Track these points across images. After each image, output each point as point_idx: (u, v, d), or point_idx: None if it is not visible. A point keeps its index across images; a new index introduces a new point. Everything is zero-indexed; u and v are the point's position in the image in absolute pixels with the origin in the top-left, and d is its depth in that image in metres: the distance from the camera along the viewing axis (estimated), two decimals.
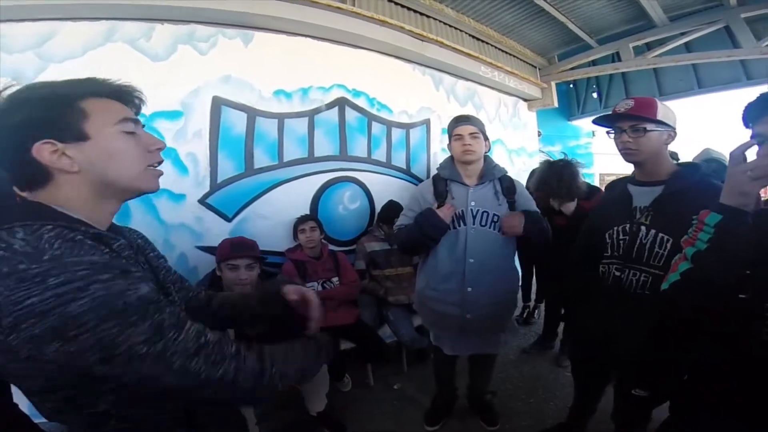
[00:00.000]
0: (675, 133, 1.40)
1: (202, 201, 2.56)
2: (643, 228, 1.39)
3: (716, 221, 0.88)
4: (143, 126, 0.75)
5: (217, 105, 2.59)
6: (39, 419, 1.57)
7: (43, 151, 0.62)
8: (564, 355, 2.95)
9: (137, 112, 0.76)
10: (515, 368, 2.94)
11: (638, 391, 1.45)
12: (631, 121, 1.36)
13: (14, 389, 1.71)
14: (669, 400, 1.26)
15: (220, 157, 2.62)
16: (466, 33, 3.90)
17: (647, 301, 1.37)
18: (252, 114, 2.72)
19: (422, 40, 3.39)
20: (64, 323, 0.51)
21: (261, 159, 2.78)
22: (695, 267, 0.92)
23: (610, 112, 1.44)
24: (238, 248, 2.06)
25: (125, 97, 0.73)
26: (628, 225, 1.44)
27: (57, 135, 0.63)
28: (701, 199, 1.13)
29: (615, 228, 1.48)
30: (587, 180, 2.84)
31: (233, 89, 2.64)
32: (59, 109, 0.64)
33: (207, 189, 2.58)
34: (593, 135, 7.78)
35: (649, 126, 1.34)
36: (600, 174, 8.23)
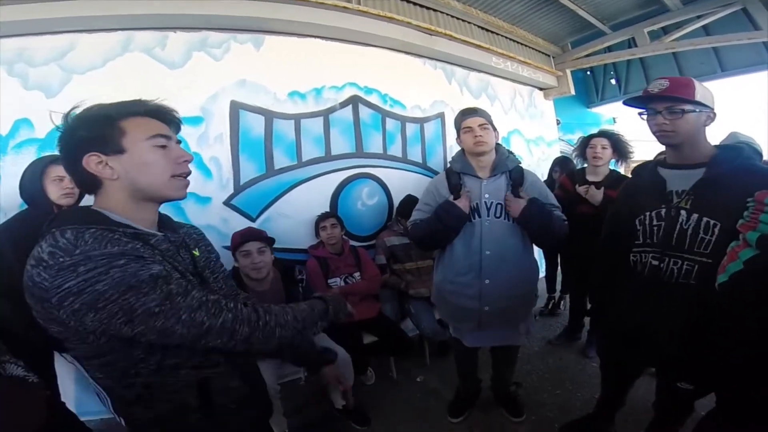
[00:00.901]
0: (714, 114, 1.32)
1: (227, 203, 2.65)
2: (683, 212, 1.31)
3: None
4: (179, 142, 0.90)
5: (235, 109, 2.67)
6: (84, 417, 1.68)
7: (91, 162, 0.79)
8: (591, 347, 2.89)
9: (177, 129, 0.90)
10: (541, 360, 2.91)
11: (684, 385, 1.40)
12: (667, 103, 1.29)
13: (61, 390, 1.83)
14: (715, 394, 1.19)
15: (241, 160, 2.70)
16: (474, 25, 3.88)
17: (693, 291, 1.29)
18: (269, 116, 2.79)
19: (431, 34, 3.40)
20: (95, 298, 0.68)
21: (280, 160, 2.85)
22: (763, 252, 0.85)
23: (640, 94, 1.37)
24: (246, 235, 2.16)
25: (161, 115, 0.87)
26: (663, 210, 1.36)
27: (101, 149, 0.79)
28: (748, 182, 1.09)
29: (647, 213, 1.41)
30: (613, 168, 2.77)
31: (249, 93, 2.72)
32: (103, 127, 0.79)
33: (231, 191, 2.66)
34: (614, 121, 7.62)
35: (687, 107, 1.27)
36: (625, 164, 8.01)
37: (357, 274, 2.69)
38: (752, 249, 0.85)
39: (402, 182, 3.33)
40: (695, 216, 1.28)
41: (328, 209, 2.96)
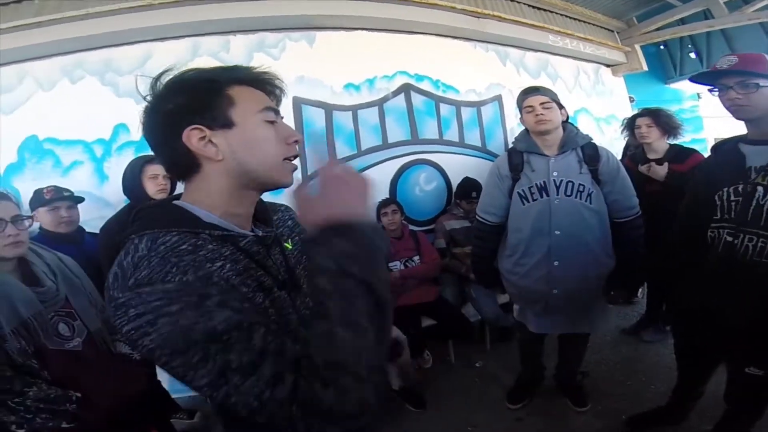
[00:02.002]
0: None
1: None
2: (760, 189, 1.27)
3: None
4: (282, 117, 0.73)
5: (297, 104, 2.84)
6: (175, 394, 1.87)
7: (192, 137, 0.63)
8: (648, 330, 2.80)
9: (278, 102, 0.75)
10: (612, 350, 2.73)
11: (752, 370, 1.33)
12: (739, 77, 1.27)
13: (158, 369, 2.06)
14: None
15: (307, 152, 2.83)
16: (524, 4, 3.77)
17: (763, 269, 1.24)
18: (329, 109, 2.93)
19: (478, 17, 3.35)
20: (149, 354, 0.54)
21: (342, 149, 2.97)
22: None
23: (709, 70, 1.36)
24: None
25: (267, 85, 0.72)
26: (741, 186, 1.32)
27: (206, 121, 0.64)
28: None
29: (725, 189, 1.36)
30: (673, 143, 2.63)
31: (308, 88, 2.87)
32: (209, 95, 0.65)
33: (300, 182, 2.81)
34: (699, 97, 6.90)
35: (762, 81, 1.24)
36: (714, 139, 7.23)
37: (416, 258, 2.71)
38: None
39: (460, 167, 3.30)
40: None
41: (387, 195, 3.02)
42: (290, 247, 0.80)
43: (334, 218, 0.57)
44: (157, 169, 1.95)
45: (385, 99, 3.11)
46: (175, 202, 0.69)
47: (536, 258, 1.83)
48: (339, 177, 0.62)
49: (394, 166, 3.14)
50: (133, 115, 2.43)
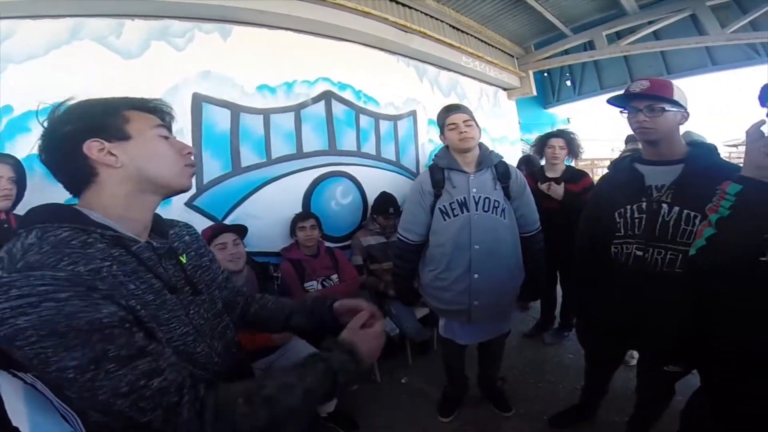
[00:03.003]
0: (687, 114, 1.41)
1: (189, 204, 2.43)
2: (664, 206, 1.38)
3: (736, 190, 0.98)
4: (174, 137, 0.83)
5: (198, 102, 2.47)
6: None
7: (93, 148, 0.71)
8: (548, 333, 3.11)
9: (168, 129, 0.83)
10: (519, 354, 2.93)
11: (671, 367, 1.46)
12: (648, 101, 1.37)
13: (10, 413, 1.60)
14: (700, 375, 1.28)
15: (204, 157, 2.50)
16: (447, 24, 3.91)
17: (679, 278, 1.36)
18: (235, 110, 2.62)
19: (406, 31, 3.36)
20: (14, 334, 0.54)
21: (248, 157, 2.67)
22: (719, 231, 1.00)
23: (622, 92, 1.45)
24: (218, 228, 2.11)
25: (159, 112, 0.81)
26: (644, 203, 1.43)
27: (104, 135, 0.72)
28: (723, 177, 1.17)
29: (627, 207, 1.47)
30: (568, 164, 2.93)
31: (214, 85, 2.53)
32: (105, 115, 0.74)
33: (193, 191, 2.45)
34: (569, 122, 7.95)
35: (667, 106, 1.36)
36: (575, 160, 8.38)
37: (335, 277, 2.57)
38: (713, 228, 1.02)
39: (376, 181, 3.26)
40: (676, 209, 1.36)
41: (300, 209, 2.82)
42: (185, 260, 0.87)
43: (359, 350, 0.81)
44: (2, 170, 1.64)
45: (303, 105, 2.90)
46: (67, 204, 0.72)
47: (458, 272, 1.86)
48: (379, 333, 0.89)
49: (309, 177, 2.95)
50: None
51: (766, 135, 0.94)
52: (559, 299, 3.13)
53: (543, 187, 2.75)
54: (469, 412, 2.29)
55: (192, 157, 0.83)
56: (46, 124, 0.72)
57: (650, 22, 4.21)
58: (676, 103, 1.36)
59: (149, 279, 0.71)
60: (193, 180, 2.36)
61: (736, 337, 1.10)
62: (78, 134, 0.70)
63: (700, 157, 1.39)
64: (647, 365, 1.71)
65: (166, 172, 0.77)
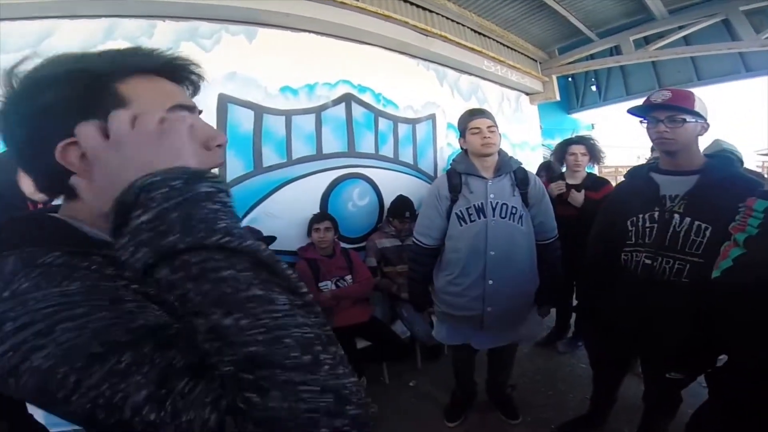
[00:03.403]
0: (708, 125, 1.41)
1: None
2: (676, 216, 1.39)
3: (765, 206, 0.93)
4: (200, 111, 0.56)
5: (224, 102, 2.55)
6: (55, 429, 1.54)
7: (69, 154, 0.45)
8: (562, 341, 3.07)
9: (194, 92, 0.58)
10: (530, 362, 2.91)
11: (673, 374, 1.45)
12: (669, 112, 1.37)
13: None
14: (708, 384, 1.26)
15: (228, 156, 2.58)
16: (468, 28, 3.90)
17: (686, 288, 1.37)
18: (259, 111, 2.68)
19: (426, 35, 3.38)
20: (40, 383, 0.36)
21: (270, 157, 2.74)
22: (749, 251, 0.96)
23: (644, 104, 1.45)
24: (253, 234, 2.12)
25: (178, 73, 0.54)
26: (656, 213, 1.44)
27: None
28: (737, 190, 1.18)
29: (640, 215, 1.48)
30: (590, 171, 2.87)
31: (239, 86, 2.60)
32: (88, 93, 0.46)
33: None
34: (592, 128, 7.80)
35: (688, 117, 1.36)
36: (597, 166, 8.22)
37: (348, 277, 2.62)
38: (740, 248, 0.98)
39: (393, 183, 3.28)
40: (688, 219, 1.37)
41: (317, 209, 2.88)
42: None
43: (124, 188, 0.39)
44: None
45: (324, 107, 2.95)
46: (51, 215, 0.52)
47: (472, 278, 1.86)
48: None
49: (328, 178, 3.00)
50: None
51: None
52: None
53: (553, 186, 2.72)
54: (476, 418, 2.30)
55: (221, 152, 0.55)
56: (6, 97, 0.47)
57: (680, 27, 4.10)
58: (697, 114, 1.36)
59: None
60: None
61: (754, 348, 1.07)
62: (49, 123, 0.45)
63: (717, 168, 1.39)
64: (651, 372, 1.71)
65: None
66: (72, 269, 0.43)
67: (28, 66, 0.48)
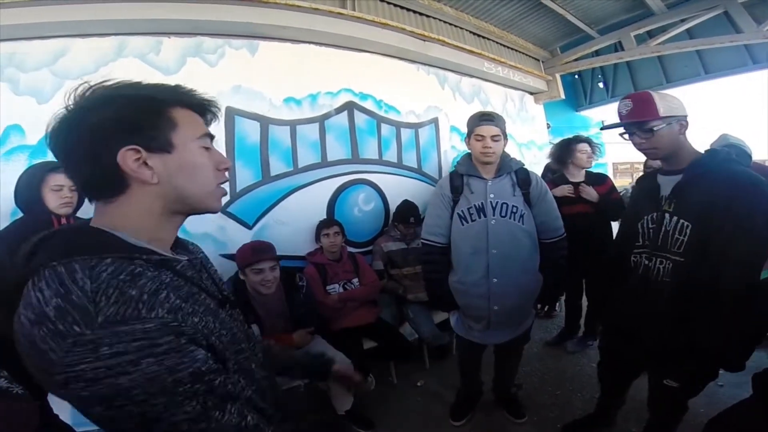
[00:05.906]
0: (686, 120, 1.38)
1: (224, 210, 2.61)
2: (667, 216, 1.40)
3: None
4: (213, 138, 0.72)
5: (231, 115, 2.65)
6: (81, 429, 1.63)
7: (128, 158, 0.58)
8: (572, 341, 3.07)
9: (211, 122, 0.73)
10: (540, 362, 2.92)
11: (669, 382, 1.44)
12: (635, 126, 1.37)
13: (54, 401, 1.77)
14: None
15: (237, 166, 2.68)
16: (466, 30, 3.95)
17: (668, 289, 1.38)
18: (265, 122, 2.78)
19: (424, 40, 3.43)
20: (113, 394, 0.50)
21: (276, 166, 2.83)
22: None
23: (616, 105, 1.45)
24: (260, 252, 2.15)
25: (207, 111, 0.70)
26: (656, 213, 1.45)
27: (144, 142, 0.60)
28: (712, 185, 1.18)
29: (645, 217, 1.50)
30: (599, 169, 2.91)
31: (244, 99, 2.71)
32: (149, 114, 0.61)
33: (228, 198, 2.63)
34: (602, 124, 7.74)
35: (656, 125, 1.33)
36: (613, 163, 8.18)
37: (355, 280, 2.68)
38: None
39: (398, 188, 3.34)
40: (675, 218, 1.37)
41: (324, 215, 2.95)
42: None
43: None
44: (62, 180, 1.74)
45: (327, 116, 3.03)
46: (92, 225, 0.63)
47: (476, 276, 1.90)
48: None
49: (333, 184, 3.08)
50: (31, 116, 2.15)
51: None
52: (584, 308, 3.10)
53: (561, 189, 2.75)
54: (482, 417, 2.32)
55: (227, 174, 0.73)
56: (70, 106, 0.59)
57: (682, 21, 4.07)
58: (665, 118, 1.32)
59: (204, 300, 0.64)
60: (227, 186, 2.59)
61: None
62: (110, 132, 0.58)
63: (700, 163, 1.36)
64: (652, 377, 1.68)
65: (199, 192, 0.67)
66: (133, 287, 0.55)
67: (100, 88, 0.60)
